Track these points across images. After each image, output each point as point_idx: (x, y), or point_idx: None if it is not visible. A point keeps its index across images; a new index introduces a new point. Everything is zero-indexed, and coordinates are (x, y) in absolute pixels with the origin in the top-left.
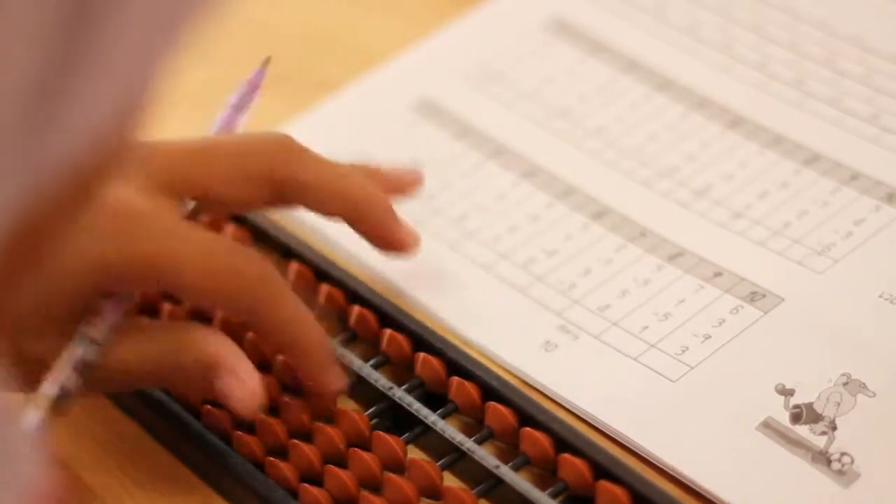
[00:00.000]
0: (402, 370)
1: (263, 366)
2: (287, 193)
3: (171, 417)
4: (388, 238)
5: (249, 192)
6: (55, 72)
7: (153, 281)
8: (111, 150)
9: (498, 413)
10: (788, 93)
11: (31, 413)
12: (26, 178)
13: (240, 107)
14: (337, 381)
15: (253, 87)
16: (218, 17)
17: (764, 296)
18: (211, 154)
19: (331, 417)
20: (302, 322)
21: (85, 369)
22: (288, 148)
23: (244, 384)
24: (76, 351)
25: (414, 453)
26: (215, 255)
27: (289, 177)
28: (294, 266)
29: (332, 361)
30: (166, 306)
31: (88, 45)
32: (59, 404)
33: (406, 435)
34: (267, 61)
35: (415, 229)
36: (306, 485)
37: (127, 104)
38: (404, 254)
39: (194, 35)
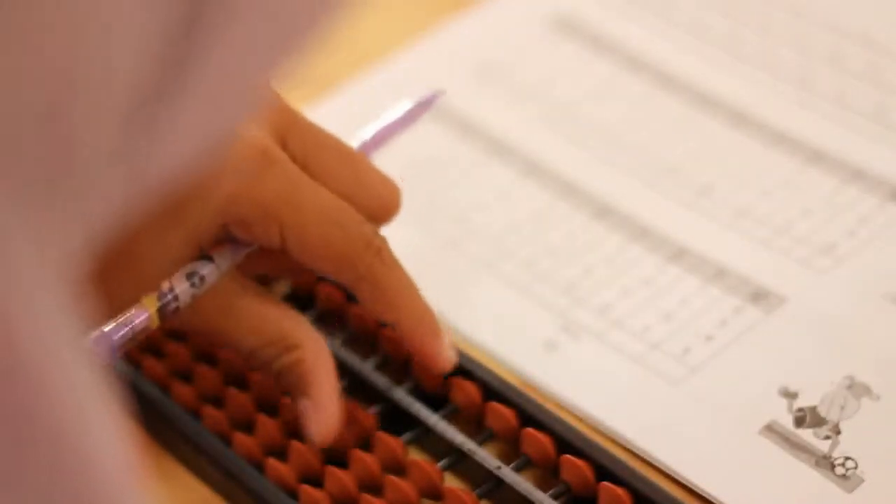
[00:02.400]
0: (402, 370)
1: None
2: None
3: (171, 418)
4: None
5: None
6: (163, 82)
7: (275, 229)
8: (211, 162)
9: (499, 414)
10: (792, 90)
11: (141, 312)
12: (128, 189)
13: (399, 125)
14: (448, 351)
15: (421, 110)
16: (326, 34)
17: (766, 296)
18: (330, 175)
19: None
20: (414, 292)
21: (186, 300)
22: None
23: (324, 419)
24: (185, 277)
25: (414, 454)
26: (337, 217)
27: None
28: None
29: (443, 333)
30: None
31: (198, 56)
32: (165, 312)
33: (406, 436)
34: (442, 92)
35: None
36: (306, 486)
37: (231, 121)
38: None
39: (303, 51)
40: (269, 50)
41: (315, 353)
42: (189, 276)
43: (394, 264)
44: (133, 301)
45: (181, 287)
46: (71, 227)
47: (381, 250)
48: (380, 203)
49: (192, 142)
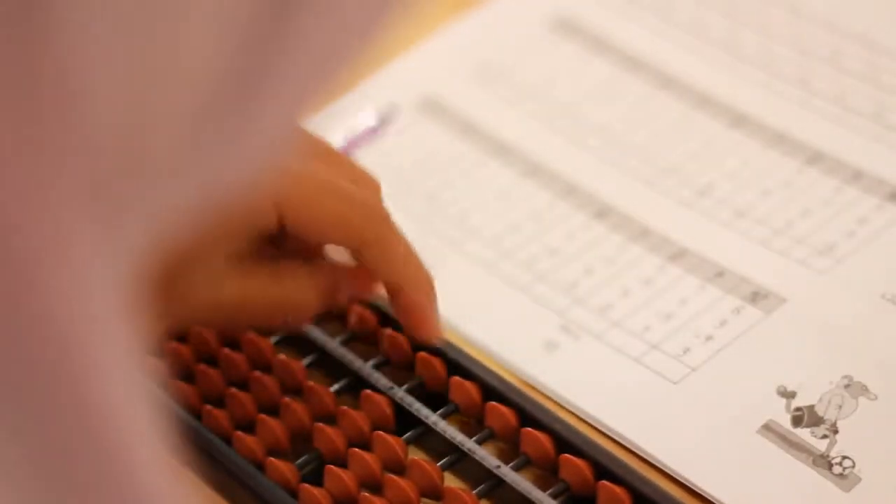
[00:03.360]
0: (402, 370)
1: (263, 367)
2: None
3: (171, 418)
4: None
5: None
6: (237, 88)
7: (270, 208)
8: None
9: (498, 413)
10: (792, 91)
11: None
12: (198, 193)
13: (368, 133)
14: (437, 321)
15: (386, 121)
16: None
17: (766, 296)
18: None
19: (331, 418)
20: (418, 259)
21: None
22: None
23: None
24: None
25: (414, 453)
26: (337, 186)
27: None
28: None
29: (434, 306)
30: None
31: (279, 53)
32: None
33: (407, 435)
34: (398, 109)
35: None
36: (306, 485)
37: (300, 118)
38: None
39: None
40: (341, 49)
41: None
42: None
43: (397, 230)
44: (182, 316)
45: None
46: (137, 229)
47: (384, 216)
48: (367, 174)
49: (263, 144)
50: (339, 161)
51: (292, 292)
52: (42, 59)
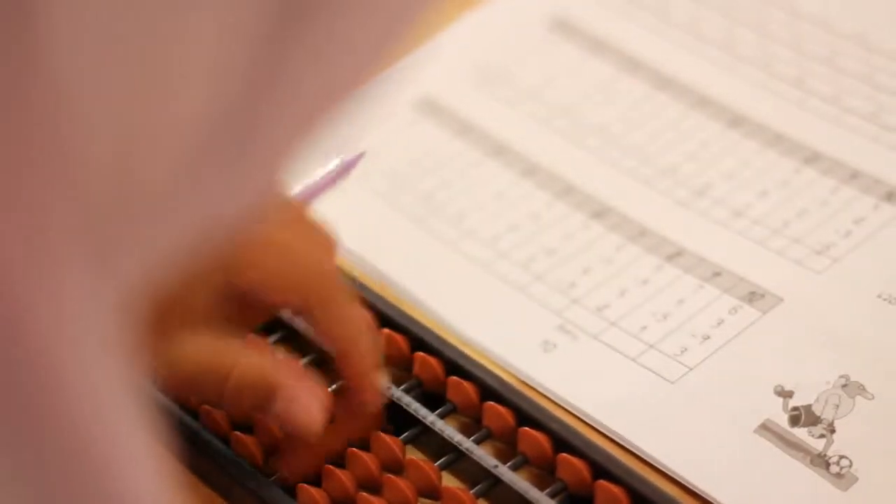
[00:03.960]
0: (400, 370)
1: None
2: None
3: (171, 418)
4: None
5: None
6: (232, 127)
7: (231, 270)
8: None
9: (496, 413)
10: (789, 91)
11: None
12: (193, 228)
13: (327, 183)
14: (375, 392)
15: (346, 169)
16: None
17: (763, 296)
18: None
19: (329, 417)
20: (359, 326)
21: None
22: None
23: (304, 403)
24: None
25: (412, 453)
26: (292, 248)
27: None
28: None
29: (376, 372)
30: None
31: (268, 103)
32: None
33: (404, 435)
34: (363, 154)
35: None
36: (305, 485)
37: (295, 156)
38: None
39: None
40: (333, 95)
41: (255, 359)
42: None
43: (346, 293)
44: (178, 339)
45: None
46: (129, 269)
47: (334, 279)
48: (323, 232)
49: (256, 188)
50: (295, 215)
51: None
52: (33, 98)
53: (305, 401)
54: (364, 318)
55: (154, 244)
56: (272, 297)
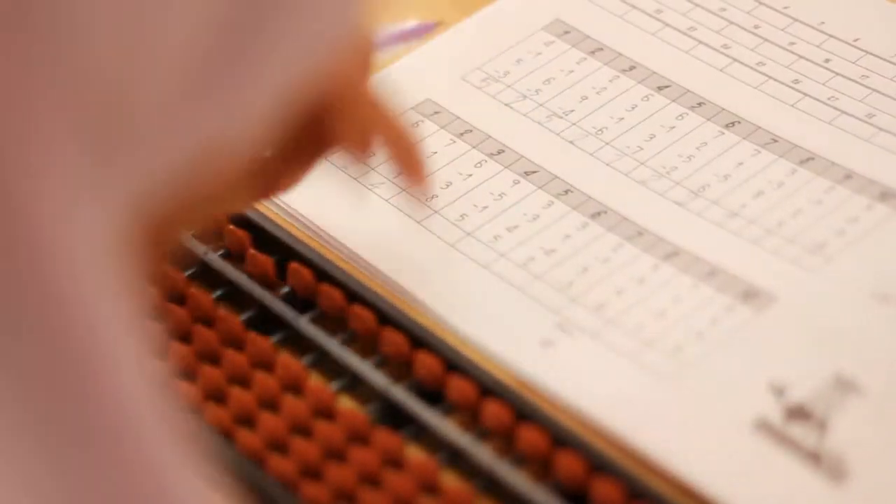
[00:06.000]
0: (400, 368)
1: (263, 365)
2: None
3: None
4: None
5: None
6: (227, 45)
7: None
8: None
9: (494, 411)
10: (785, 93)
11: None
12: (190, 148)
13: (400, 38)
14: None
15: (421, 31)
16: None
17: (757, 295)
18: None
19: (330, 414)
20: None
21: None
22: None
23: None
24: None
25: (412, 450)
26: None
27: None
28: (294, 266)
29: (420, 165)
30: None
31: (264, 21)
32: None
33: (404, 432)
34: (439, 23)
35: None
36: (305, 481)
37: (314, 63)
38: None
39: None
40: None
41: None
42: None
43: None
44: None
45: None
46: (129, 174)
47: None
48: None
49: (259, 100)
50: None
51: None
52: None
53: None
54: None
55: (153, 157)
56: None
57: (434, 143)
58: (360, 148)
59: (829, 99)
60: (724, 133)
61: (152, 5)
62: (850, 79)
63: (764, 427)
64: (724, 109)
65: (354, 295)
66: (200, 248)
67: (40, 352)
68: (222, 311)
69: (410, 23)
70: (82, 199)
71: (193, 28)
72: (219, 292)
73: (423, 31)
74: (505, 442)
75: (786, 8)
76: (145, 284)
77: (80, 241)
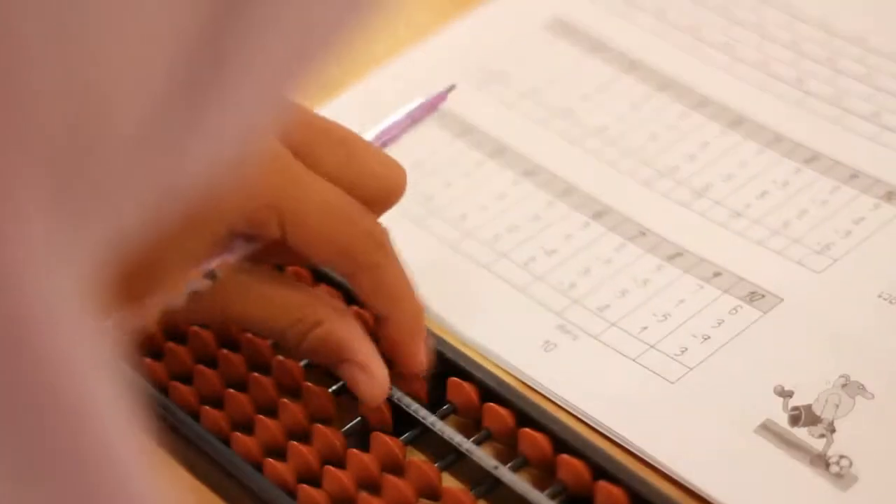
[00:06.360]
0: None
1: (261, 367)
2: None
3: (170, 419)
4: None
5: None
6: (192, 86)
7: (274, 220)
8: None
9: (496, 414)
10: (789, 92)
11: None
12: (155, 190)
13: (412, 122)
14: (423, 355)
15: (431, 108)
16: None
17: (763, 296)
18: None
19: (329, 418)
20: (410, 288)
21: (195, 297)
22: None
23: (373, 377)
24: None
25: (412, 454)
26: (339, 207)
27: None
28: (291, 267)
29: (424, 336)
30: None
31: (230, 61)
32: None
33: (404, 436)
34: (451, 88)
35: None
36: (304, 485)
37: (260, 124)
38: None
39: (333, 52)
40: (301, 54)
41: (342, 322)
42: (206, 275)
43: (394, 257)
44: (149, 303)
45: (198, 283)
46: (95, 224)
47: (382, 242)
48: (380, 185)
49: (221, 145)
50: (350, 151)
51: (267, 299)
52: None
53: (375, 373)
54: (408, 281)
55: (122, 202)
56: (314, 257)
57: (434, 143)
58: (374, 311)
59: (834, 97)
60: (726, 132)
61: (114, 36)
62: (855, 77)
63: (770, 430)
64: (726, 108)
65: (353, 297)
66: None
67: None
68: None
69: (417, 101)
70: (50, 240)
71: (152, 68)
72: None
73: (434, 105)
74: (507, 445)
75: (789, 5)
76: (124, 336)
77: (56, 299)
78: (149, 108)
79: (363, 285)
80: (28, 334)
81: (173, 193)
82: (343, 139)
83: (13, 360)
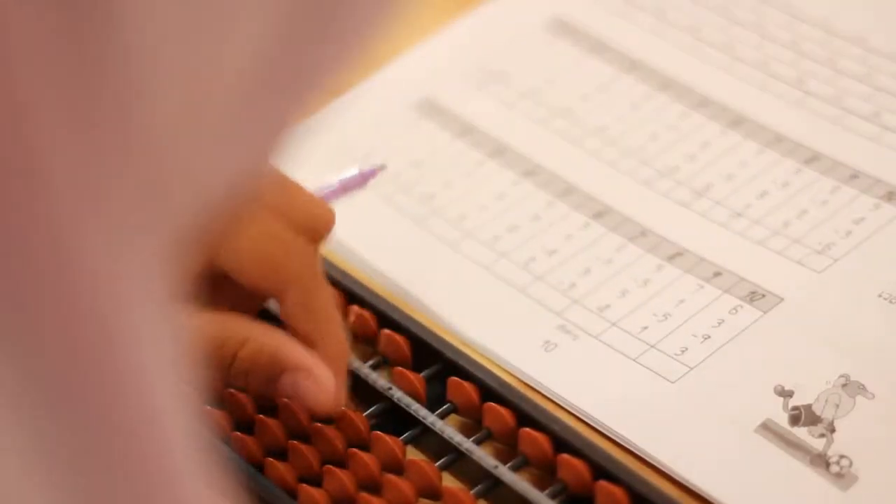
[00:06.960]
0: (400, 371)
1: None
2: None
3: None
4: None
5: (255, 273)
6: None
7: (209, 248)
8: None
9: (496, 413)
10: (789, 92)
11: None
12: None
13: (343, 190)
14: (333, 396)
15: (363, 180)
16: None
17: (763, 296)
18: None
19: (330, 418)
20: (333, 317)
21: None
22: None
23: (321, 384)
24: None
25: (413, 454)
26: (271, 229)
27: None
28: None
29: (345, 376)
30: None
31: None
32: None
33: (405, 435)
34: (383, 167)
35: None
36: (305, 485)
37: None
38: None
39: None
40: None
41: (270, 335)
42: None
43: (325, 284)
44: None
45: None
46: (180, 207)
47: (313, 264)
48: (311, 214)
49: (282, 140)
50: (290, 193)
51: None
52: (107, 54)
53: (319, 378)
54: (335, 307)
55: (202, 188)
56: (246, 276)
57: (434, 142)
58: (301, 336)
59: (834, 97)
60: (727, 132)
61: (211, 39)
62: (855, 77)
63: (770, 430)
64: (727, 108)
65: (354, 296)
66: None
67: (66, 365)
68: None
69: (351, 171)
70: (130, 239)
71: (245, 60)
72: None
73: (366, 178)
74: (507, 445)
75: (789, 5)
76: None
77: (127, 282)
78: (235, 102)
79: (293, 302)
80: (99, 328)
81: (257, 167)
82: (276, 174)
83: (84, 355)
